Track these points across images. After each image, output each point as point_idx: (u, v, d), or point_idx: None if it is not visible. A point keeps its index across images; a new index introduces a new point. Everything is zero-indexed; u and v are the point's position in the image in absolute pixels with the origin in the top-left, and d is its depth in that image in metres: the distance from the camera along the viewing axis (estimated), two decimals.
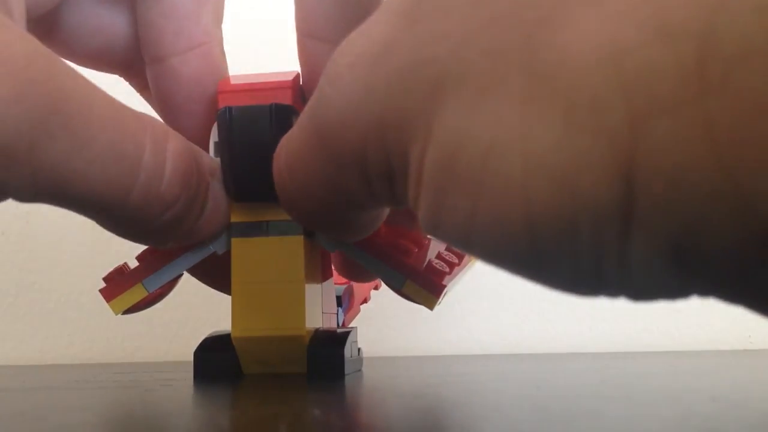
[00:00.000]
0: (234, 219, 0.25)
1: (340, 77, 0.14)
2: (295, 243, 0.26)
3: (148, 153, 0.18)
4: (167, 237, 0.21)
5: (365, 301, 0.34)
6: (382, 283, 0.31)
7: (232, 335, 0.25)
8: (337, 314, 0.30)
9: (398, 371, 0.32)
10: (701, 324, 0.49)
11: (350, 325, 0.31)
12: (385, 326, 0.44)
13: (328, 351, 0.26)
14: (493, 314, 0.48)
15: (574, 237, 0.11)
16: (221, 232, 0.25)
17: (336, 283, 0.31)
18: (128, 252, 0.38)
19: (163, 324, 0.46)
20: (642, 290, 0.11)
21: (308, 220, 0.20)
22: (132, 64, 0.25)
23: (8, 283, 0.49)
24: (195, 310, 0.44)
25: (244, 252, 0.26)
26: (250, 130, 0.24)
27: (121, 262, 0.33)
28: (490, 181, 0.11)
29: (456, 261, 0.27)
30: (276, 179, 0.19)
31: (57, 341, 0.48)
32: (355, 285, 0.32)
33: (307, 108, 0.16)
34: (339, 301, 0.31)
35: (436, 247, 0.27)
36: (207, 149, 0.24)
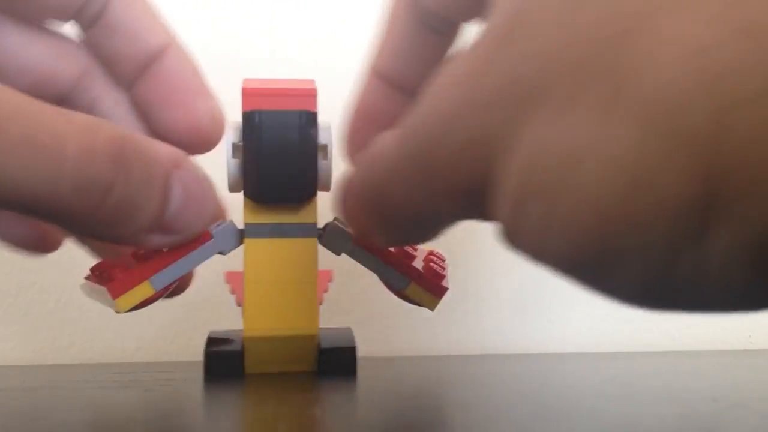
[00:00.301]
0: (248, 220, 0.26)
1: (444, 94, 0.15)
2: (310, 245, 0.27)
3: (71, 141, 0.18)
4: (130, 228, 0.20)
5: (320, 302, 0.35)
6: (329, 285, 0.32)
7: (244, 335, 0.26)
8: None
9: (398, 371, 0.32)
10: (701, 324, 0.48)
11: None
12: (386, 326, 0.44)
13: (342, 349, 0.27)
14: (494, 314, 0.48)
15: (648, 241, 0.11)
16: (207, 225, 0.24)
17: None
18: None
19: (163, 324, 0.46)
20: (717, 299, 0.11)
21: (387, 234, 0.19)
22: (65, 98, 0.25)
23: (8, 283, 0.49)
24: (195, 310, 0.44)
25: (257, 252, 0.26)
26: (278, 134, 0.25)
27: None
28: (567, 187, 0.12)
29: (444, 264, 0.27)
30: (364, 194, 0.18)
31: (57, 341, 0.48)
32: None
33: (407, 125, 0.16)
34: None
35: (423, 251, 0.28)
36: (201, 147, 0.25)
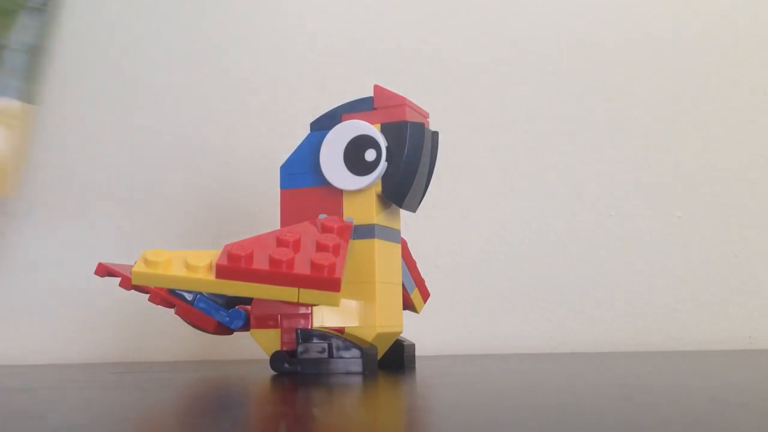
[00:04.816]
0: (379, 222, 0.28)
1: None
2: (399, 249, 0.30)
3: None
4: None
5: None
6: None
7: (377, 331, 0.27)
8: None
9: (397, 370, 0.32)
10: (701, 324, 0.48)
11: None
12: None
13: (408, 344, 0.31)
14: (493, 314, 0.48)
15: None
16: None
17: None
18: (127, 252, 0.38)
19: (163, 324, 0.46)
20: None
21: None
22: None
23: (8, 283, 0.49)
24: None
25: (383, 254, 0.28)
26: (423, 145, 0.28)
27: (123, 262, 0.33)
28: None
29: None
30: None
31: (57, 341, 0.48)
32: None
33: None
34: None
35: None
36: None
